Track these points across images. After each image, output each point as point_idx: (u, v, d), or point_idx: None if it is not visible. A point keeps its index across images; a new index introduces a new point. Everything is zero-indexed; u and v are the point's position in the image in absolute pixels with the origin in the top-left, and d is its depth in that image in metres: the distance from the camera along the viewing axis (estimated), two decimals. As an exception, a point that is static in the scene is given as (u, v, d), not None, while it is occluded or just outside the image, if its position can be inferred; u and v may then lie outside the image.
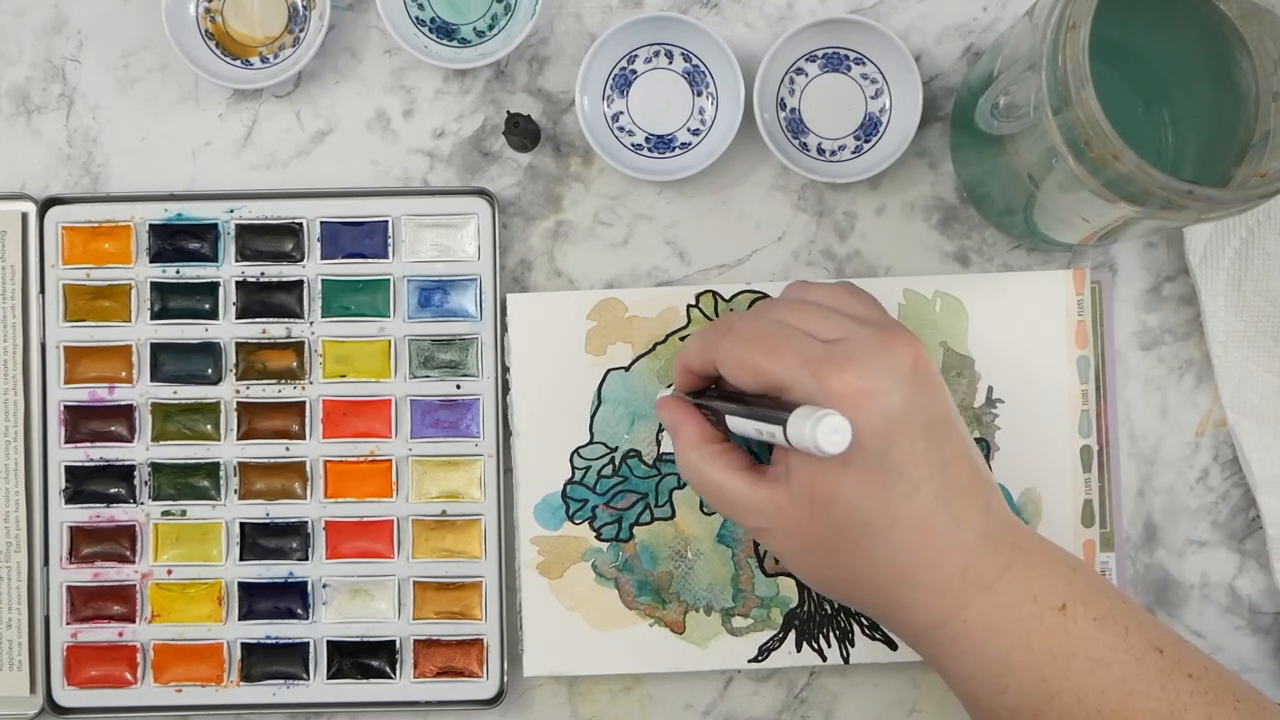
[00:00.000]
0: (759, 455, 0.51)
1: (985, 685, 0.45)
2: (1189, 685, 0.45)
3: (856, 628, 0.57)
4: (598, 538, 0.57)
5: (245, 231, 0.57)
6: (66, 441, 0.57)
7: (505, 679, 0.57)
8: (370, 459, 0.57)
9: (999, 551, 0.46)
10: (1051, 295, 0.56)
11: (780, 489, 0.45)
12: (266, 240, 0.57)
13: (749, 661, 0.56)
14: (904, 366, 0.44)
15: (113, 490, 0.57)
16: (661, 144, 0.57)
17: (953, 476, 0.45)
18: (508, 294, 0.57)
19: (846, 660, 0.56)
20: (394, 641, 0.57)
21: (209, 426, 0.57)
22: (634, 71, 0.57)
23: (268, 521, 0.57)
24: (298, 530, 0.57)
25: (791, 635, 0.56)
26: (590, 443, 0.57)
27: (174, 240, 0.57)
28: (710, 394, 0.51)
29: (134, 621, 0.57)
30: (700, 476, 0.48)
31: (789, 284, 0.51)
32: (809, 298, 0.49)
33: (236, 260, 0.57)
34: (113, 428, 0.57)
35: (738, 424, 0.47)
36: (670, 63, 0.57)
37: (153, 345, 0.57)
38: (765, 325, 0.46)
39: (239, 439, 0.57)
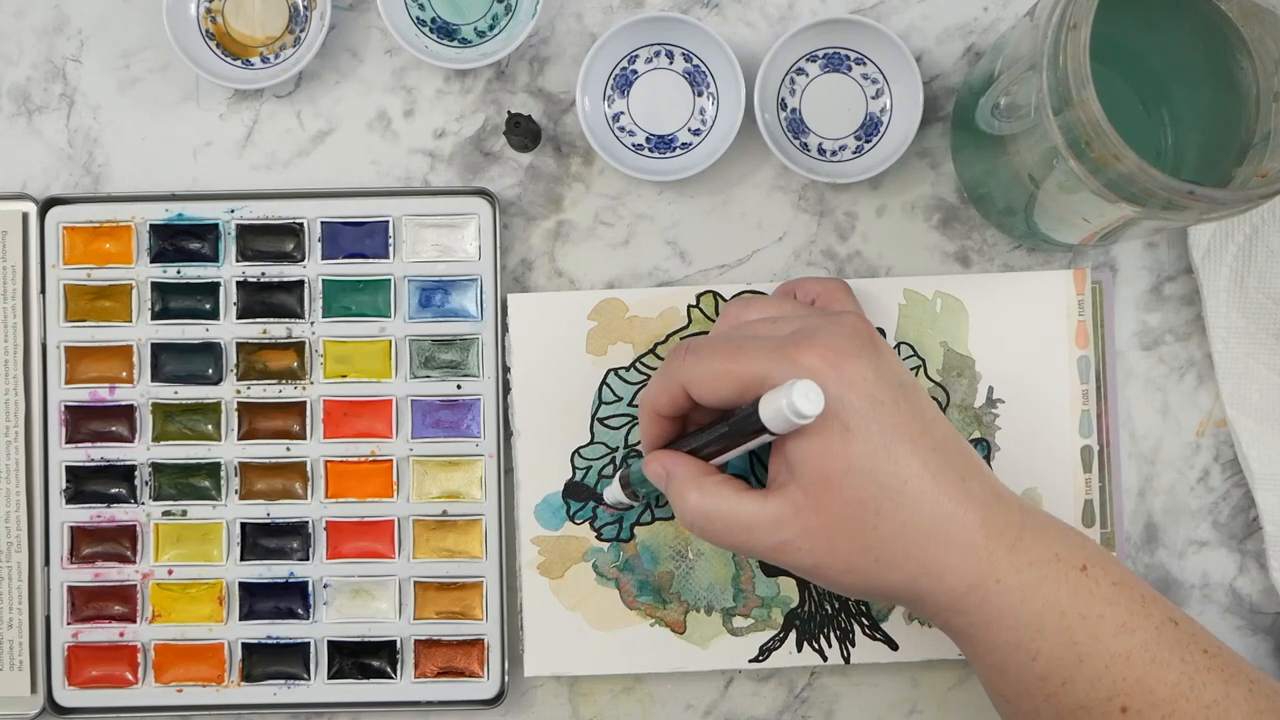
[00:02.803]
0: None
1: (1016, 653, 0.45)
2: (1205, 660, 0.45)
3: (857, 628, 0.57)
4: (598, 538, 0.57)
5: (246, 231, 0.57)
6: (67, 441, 0.57)
7: (506, 679, 0.57)
8: (371, 459, 0.57)
9: (1010, 509, 0.46)
10: (1052, 295, 0.56)
11: (791, 489, 0.45)
12: (267, 240, 0.57)
13: (750, 661, 0.56)
14: (860, 335, 0.46)
15: (113, 490, 0.57)
16: (662, 144, 0.57)
17: (941, 435, 0.46)
18: (508, 294, 0.57)
19: (847, 660, 0.56)
20: (395, 641, 0.57)
21: (210, 427, 0.57)
22: (635, 71, 0.57)
23: (268, 521, 0.57)
24: (298, 530, 0.57)
25: (792, 635, 0.56)
26: (591, 443, 0.57)
27: (175, 240, 0.57)
28: (683, 442, 0.50)
29: (135, 621, 0.57)
30: (707, 513, 0.47)
31: (728, 302, 0.52)
32: (750, 312, 0.50)
33: (237, 260, 0.57)
34: (113, 428, 0.57)
35: (720, 449, 0.48)
36: (671, 63, 0.57)
37: (153, 345, 0.57)
38: (721, 337, 0.48)
39: (240, 439, 0.57)
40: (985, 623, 0.45)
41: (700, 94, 0.57)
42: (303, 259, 0.57)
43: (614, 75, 0.57)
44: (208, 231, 0.57)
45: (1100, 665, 0.45)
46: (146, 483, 0.57)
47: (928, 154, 0.58)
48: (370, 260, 0.57)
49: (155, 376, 0.57)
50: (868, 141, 0.57)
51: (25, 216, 0.57)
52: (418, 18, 0.58)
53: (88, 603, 0.57)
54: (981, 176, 0.55)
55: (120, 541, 0.57)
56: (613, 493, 0.54)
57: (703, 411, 0.49)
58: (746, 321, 0.50)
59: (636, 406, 0.56)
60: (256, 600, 0.57)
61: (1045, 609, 0.45)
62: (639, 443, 0.56)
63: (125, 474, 0.57)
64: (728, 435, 0.46)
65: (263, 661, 0.57)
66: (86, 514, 0.57)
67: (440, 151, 0.58)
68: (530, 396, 0.57)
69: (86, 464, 0.57)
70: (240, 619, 0.57)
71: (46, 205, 0.57)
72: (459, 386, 0.57)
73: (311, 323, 0.57)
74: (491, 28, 0.58)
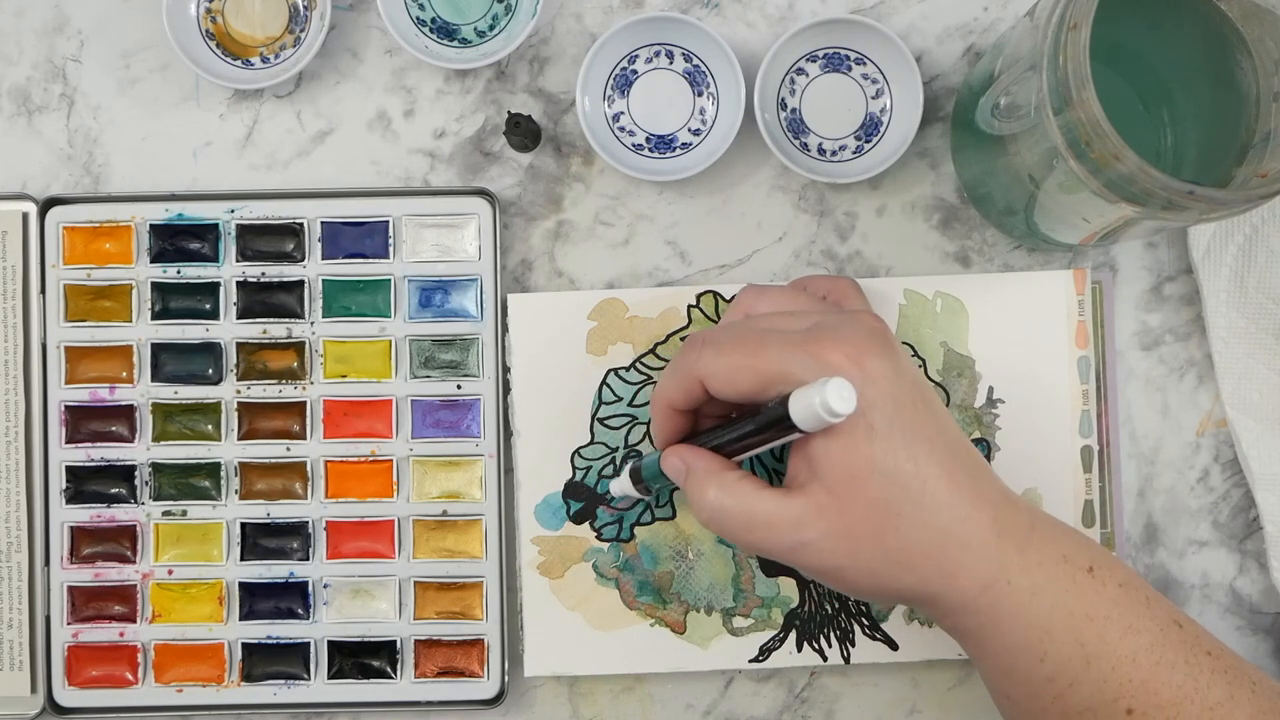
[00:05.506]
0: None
1: (1025, 655, 0.45)
2: (1209, 662, 0.45)
3: (857, 628, 0.57)
4: (598, 538, 0.57)
5: (246, 232, 0.57)
6: (67, 441, 0.57)
7: (506, 679, 0.57)
8: (371, 459, 0.57)
9: (1018, 510, 0.46)
10: (1052, 295, 0.56)
11: (814, 488, 0.44)
12: (267, 240, 0.57)
13: (750, 661, 0.56)
14: (878, 334, 0.46)
15: (113, 490, 0.57)
16: (662, 144, 0.57)
17: (952, 437, 0.46)
18: (508, 294, 0.57)
19: (847, 660, 0.56)
20: (395, 641, 0.57)
21: (210, 427, 0.57)
22: (635, 72, 0.57)
23: (268, 521, 0.57)
24: (298, 530, 0.57)
25: (792, 635, 0.56)
26: (591, 443, 0.57)
27: (175, 240, 0.57)
28: (701, 438, 0.49)
29: (135, 621, 0.57)
30: (725, 510, 0.46)
31: (741, 289, 0.51)
32: (764, 304, 0.50)
33: (237, 260, 0.57)
34: (113, 428, 0.57)
35: (742, 446, 0.47)
36: (671, 63, 0.57)
37: (153, 345, 0.57)
38: (739, 330, 0.47)
39: (240, 439, 0.57)
40: (995, 623, 0.45)
41: (700, 94, 0.57)
42: (303, 259, 0.57)
43: (614, 75, 0.57)
44: (208, 231, 0.57)
45: (1107, 667, 0.45)
46: (146, 483, 0.57)
47: (928, 154, 0.58)
48: (370, 260, 0.57)
49: (155, 376, 0.57)
50: (868, 141, 0.57)
51: (25, 216, 0.57)
52: (418, 18, 0.58)
53: (88, 603, 0.57)
54: (981, 176, 0.55)
55: (120, 541, 0.57)
56: (621, 485, 0.53)
57: (714, 405, 0.49)
58: (760, 315, 0.49)
59: (637, 406, 0.56)
60: (256, 600, 0.57)
61: (1054, 610, 0.45)
62: (639, 443, 0.56)
63: (125, 474, 0.57)
64: (754, 432, 0.46)
65: (263, 661, 0.57)
66: (86, 514, 0.57)
67: (440, 151, 0.58)
68: (530, 396, 0.57)
69: (86, 464, 0.57)
70: (240, 619, 0.57)
71: (46, 205, 0.57)
72: (459, 386, 0.57)
73: (311, 323, 0.57)
74: (491, 28, 0.58)
